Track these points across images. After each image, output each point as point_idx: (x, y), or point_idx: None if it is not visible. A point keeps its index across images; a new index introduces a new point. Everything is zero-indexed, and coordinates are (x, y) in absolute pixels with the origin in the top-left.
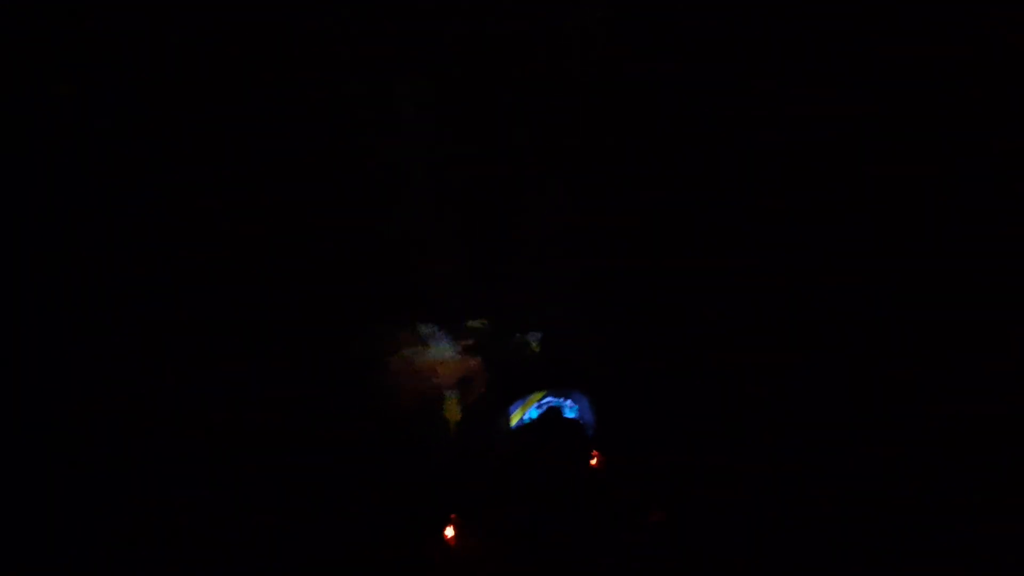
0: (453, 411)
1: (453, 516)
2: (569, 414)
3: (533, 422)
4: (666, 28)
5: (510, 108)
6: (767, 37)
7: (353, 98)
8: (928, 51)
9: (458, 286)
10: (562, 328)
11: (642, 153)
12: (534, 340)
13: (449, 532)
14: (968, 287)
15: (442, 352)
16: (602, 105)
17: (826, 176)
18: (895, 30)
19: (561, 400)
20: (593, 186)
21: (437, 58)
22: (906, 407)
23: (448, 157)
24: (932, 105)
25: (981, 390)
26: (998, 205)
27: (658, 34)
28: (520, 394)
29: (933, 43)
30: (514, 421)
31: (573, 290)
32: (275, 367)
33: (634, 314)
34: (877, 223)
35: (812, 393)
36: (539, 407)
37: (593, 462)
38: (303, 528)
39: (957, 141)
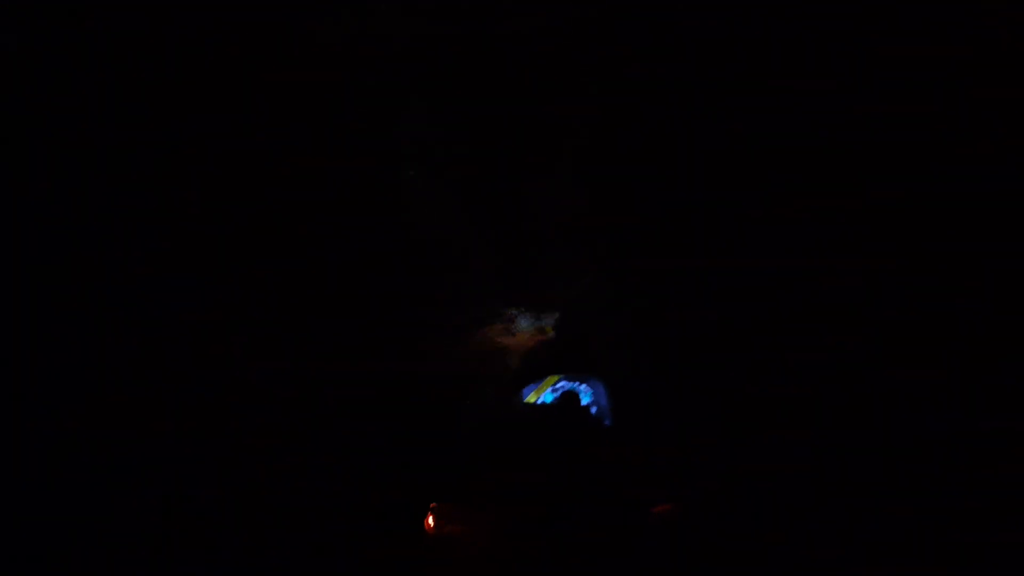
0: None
1: (433, 505)
2: (584, 399)
3: (547, 405)
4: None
5: (534, 113)
6: (769, 37)
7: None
8: (928, 51)
9: (484, 277)
10: (579, 313)
11: (661, 152)
12: (549, 323)
13: (430, 521)
14: (972, 286)
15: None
16: (617, 106)
17: (836, 175)
18: (895, 30)
19: (576, 385)
20: (613, 185)
21: (451, 62)
22: (916, 405)
23: (464, 160)
24: (934, 105)
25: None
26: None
27: (661, 34)
28: (534, 377)
29: (933, 43)
30: (529, 404)
31: (592, 278)
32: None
33: (652, 306)
34: (884, 221)
35: (822, 390)
36: (554, 391)
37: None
38: (283, 520)
39: (958, 141)
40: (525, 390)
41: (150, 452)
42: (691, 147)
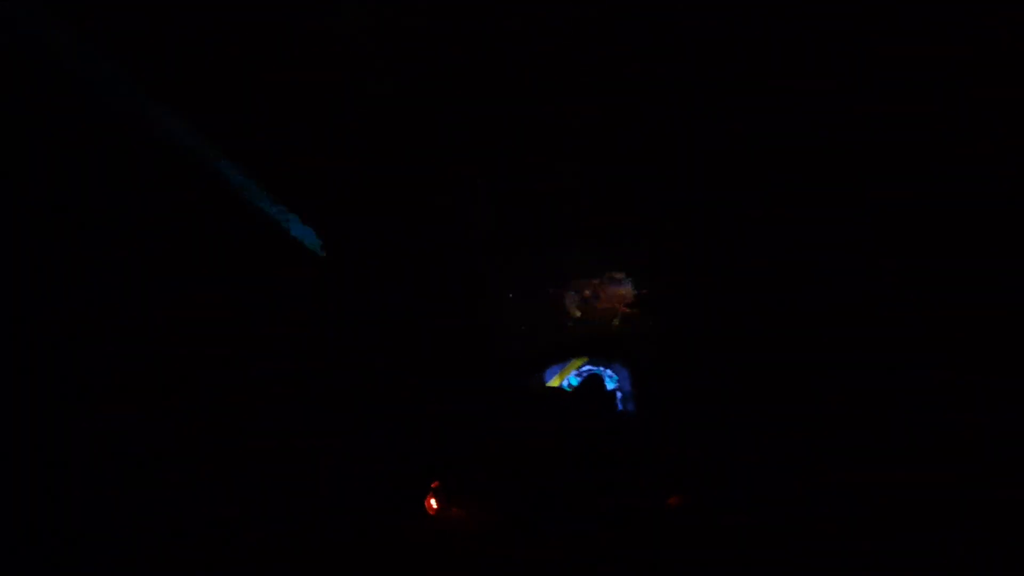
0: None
1: (435, 484)
2: (609, 385)
3: (572, 389)
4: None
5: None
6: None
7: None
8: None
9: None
10: (606, 300)
11: (678, 147)
12: (574, 305)
13: (433, 503)
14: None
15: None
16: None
17: (855, 173)
18: (895, 30)
19: (601, 369)
20: (647, 180)
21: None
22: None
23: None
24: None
25: None
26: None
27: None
28: (559, 359)
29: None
30: (553, 386)
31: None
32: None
33: (679, 297)
34: (887, 220)
35: (841, 388)
36: (578, 375)
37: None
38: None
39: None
40: (548, 372)
41: (153, 452)
42: (698, 143)
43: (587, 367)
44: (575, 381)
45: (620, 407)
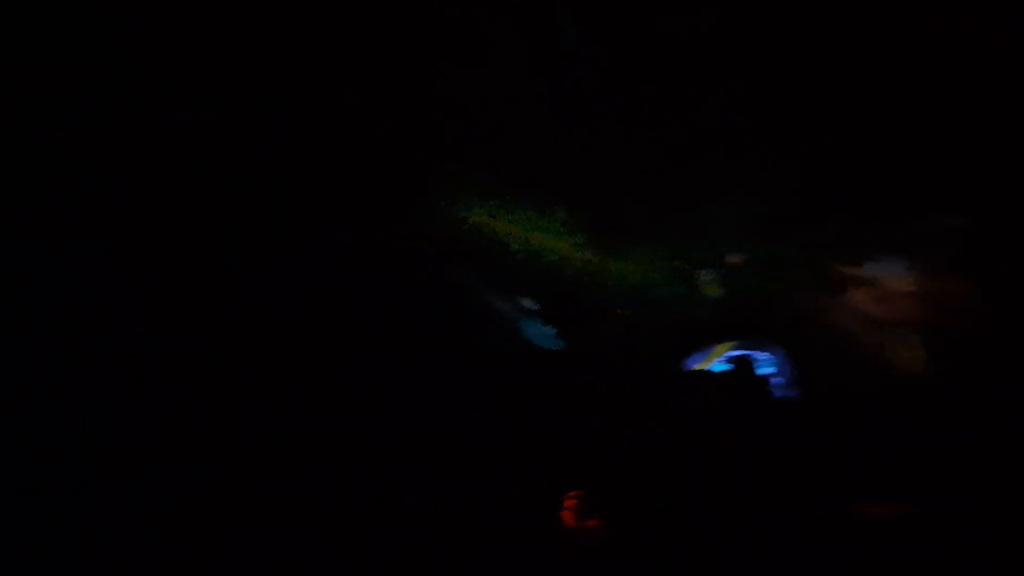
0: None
1: (574, 494)
2: (765, 369)
3: (719, 376)
4: None
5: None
6: None
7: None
8: None
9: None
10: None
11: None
12: (711, 281)
13: (570, 513)
14: None
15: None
16: None
17: None
18: None
19: (753, 353)
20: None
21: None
22: None
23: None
24: None
25: None
26: None
27: None
28: (701, 345)
29: None
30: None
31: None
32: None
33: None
34: None
35: None
36: (726, 360)
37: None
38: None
39: None
40: (688, 361)
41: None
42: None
43: (735, 352)
44: (723, 368)
45: (776, 395)
